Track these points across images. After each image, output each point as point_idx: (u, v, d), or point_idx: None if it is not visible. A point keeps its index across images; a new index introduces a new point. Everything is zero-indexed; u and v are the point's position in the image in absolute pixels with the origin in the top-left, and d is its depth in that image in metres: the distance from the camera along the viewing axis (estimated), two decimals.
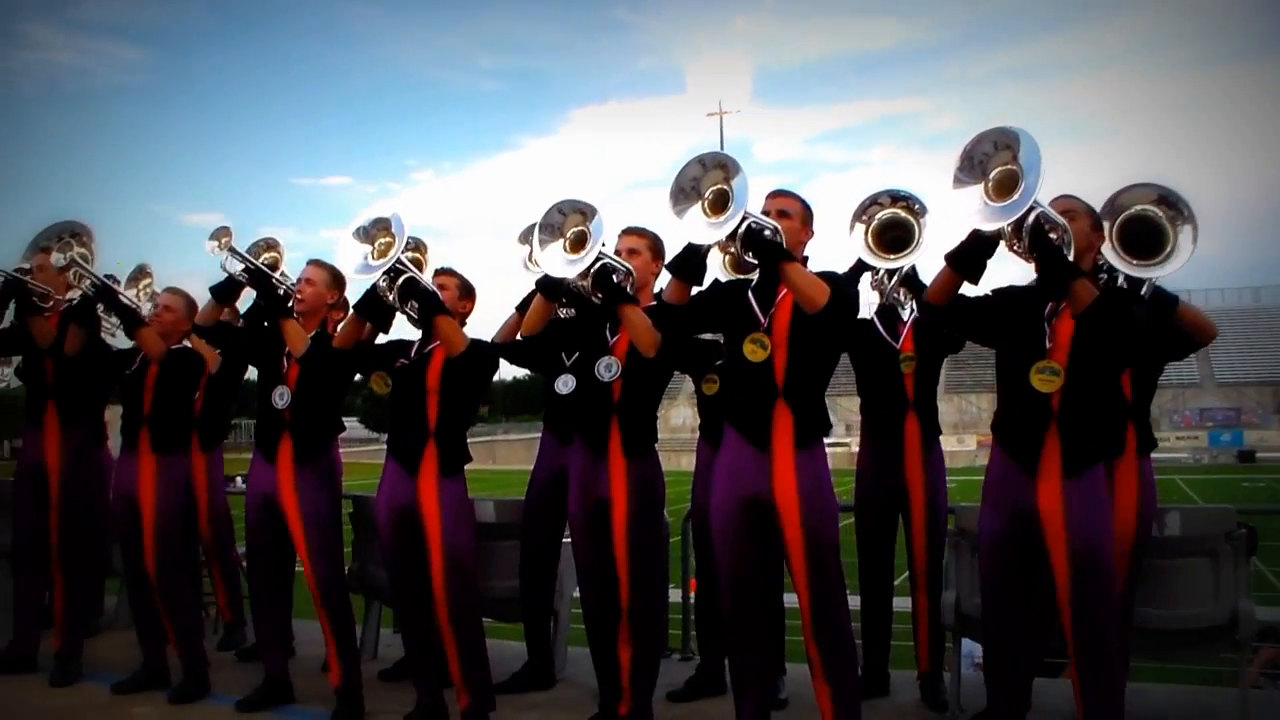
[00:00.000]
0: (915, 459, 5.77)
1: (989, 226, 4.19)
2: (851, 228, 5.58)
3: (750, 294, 4.72)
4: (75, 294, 6.58)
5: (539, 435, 6.30)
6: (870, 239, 5.53)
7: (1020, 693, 4.56)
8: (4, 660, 6.61)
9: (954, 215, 4.26)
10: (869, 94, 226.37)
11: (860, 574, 5.94)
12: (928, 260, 5.53)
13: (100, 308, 6.30)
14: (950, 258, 4.40)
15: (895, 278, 5.67)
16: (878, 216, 5.54)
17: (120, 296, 6.26)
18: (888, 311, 5.88)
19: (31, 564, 6.67)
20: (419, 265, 6.01)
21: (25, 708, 5.98)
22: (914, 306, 5.76)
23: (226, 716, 5.76)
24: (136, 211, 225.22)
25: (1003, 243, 4.31)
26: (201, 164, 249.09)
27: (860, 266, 5.63)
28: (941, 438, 5.95)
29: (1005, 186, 4.11)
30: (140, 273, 6.84)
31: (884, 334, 5.86)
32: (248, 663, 6.68)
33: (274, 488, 5.72)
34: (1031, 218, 4.17)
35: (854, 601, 5.99)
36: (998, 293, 4.62)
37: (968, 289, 4.49)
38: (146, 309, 6.28)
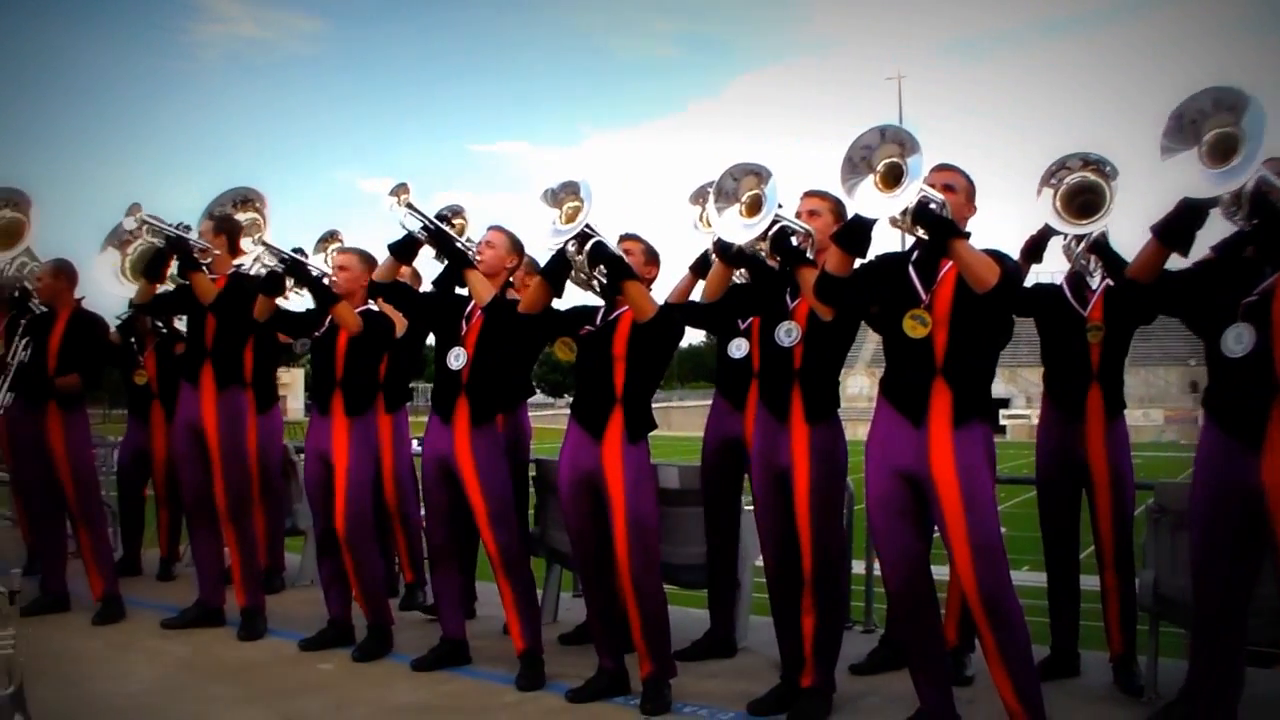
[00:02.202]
0: (1098, 433, 5.62)
1: (1209, 194, 4.02)
2: (1039, 192, 5.47)
3: (911, 268, 4.66)
4: (246, 260, 6.80)
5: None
6: (1059, 204, 5.41)
7: (1236, 677, 4.39)
8: (193, 615, 6.91)
9: (1169, 183, 4.07)
10: (1051, 60, 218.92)
11: (1045, 551, 5.84)
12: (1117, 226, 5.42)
13: (291, 282, 6.52)
14: (1159, 230, 4.24)
15: (1084, 244, 5.52)
16: (1067, 181, 5.41)
17: (310, 269, 6.47)
18: (1077, 279, 5.72)
19: (204, 521, 6.96)
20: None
21: (215, 660, 6.26)
22: (1104, 274, 5.59)
23: (405, 675, 5.93)
24: (319, 179, 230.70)
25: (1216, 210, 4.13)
26: (380, 131, 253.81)
27: (1047, 232, 5.51)
28: (1125, 412, 5.76)
29: (1222, 150, 3.90)
30: (331, 237, 7.04)
31: (1072, 302, 5.71)
32: (430, 623, 6.80)
33: (450, 451, 5.83)
34: (1252, 182, 3.96)
35: (1038, 578, 5.92)
36: (1205, 265, 4.41)
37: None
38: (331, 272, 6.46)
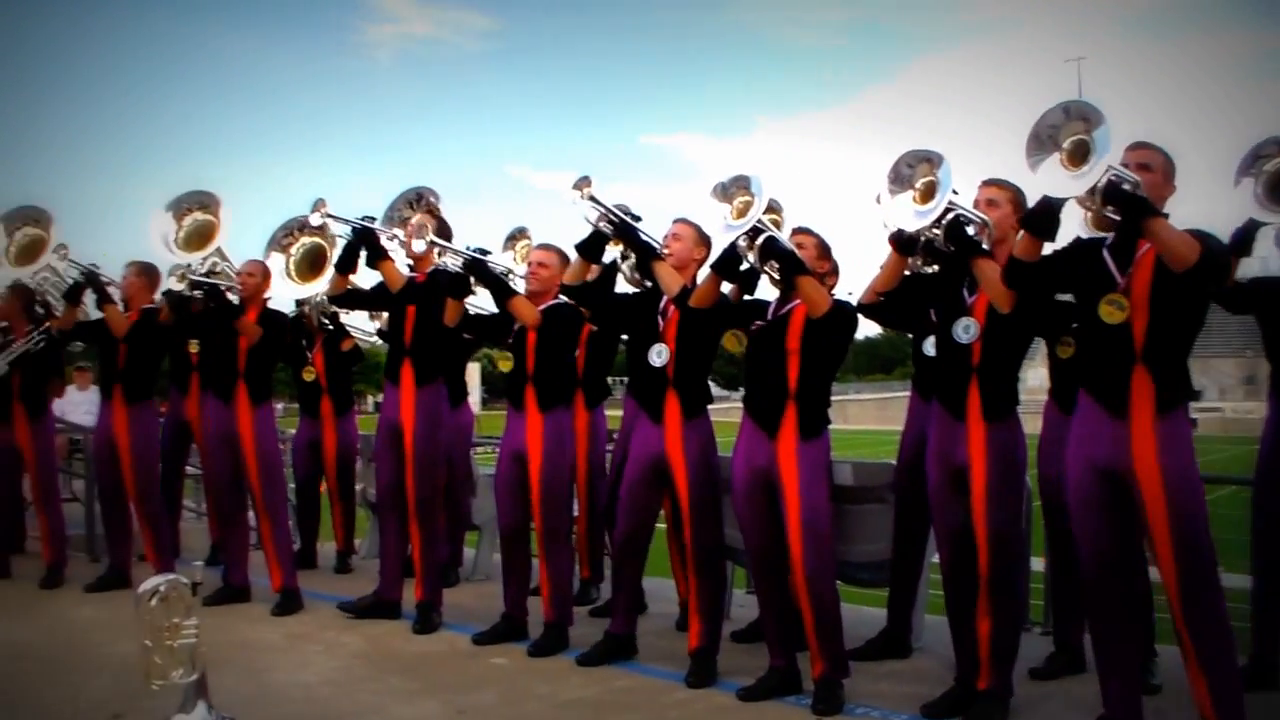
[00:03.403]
0: None
1: None
2: (1237, 183, 5.29)
3: (1106, 252, 4.54)
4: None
5: (891, 395, 6.23)
6: (1261, 192, 5.23)
7: None
8: (369, 605, 7.11)
9: None
10: (1247, 36, 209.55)
11: (1255, 552, 5.62)
12: None
13: (472, 280, 6.61)
14: None
15: None
16: (1266, 168, 5.22)
17: (490, 267, 6.55)
18: None
19: (393, 517, 7.12)
20: (776, 226, 5.99)
21: (391, 653, 6.40)
22: None
23: (576, 671, 5.97)
24: (493, 175, 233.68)
25: None
26: (552, 126, 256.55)
27: (1252, 224, 5.31)
28: None
29: None
30: (519, 234, 7.13)
31: None
32: (602, 619, 6.83)
33: (662, 448, 5.85)
34: None
35: (1244, 582, 5.70)
36: None
37: None
38: (522, 270, 6.52)
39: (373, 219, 7.01)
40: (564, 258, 6.43)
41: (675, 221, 6.03)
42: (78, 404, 12.39)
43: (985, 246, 4.97)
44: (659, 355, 5.83)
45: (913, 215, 4.96)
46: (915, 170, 4.99)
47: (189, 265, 7.64)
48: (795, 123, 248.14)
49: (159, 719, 4.87)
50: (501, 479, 6.57)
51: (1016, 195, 5.08)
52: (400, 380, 6.94)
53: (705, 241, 5.95)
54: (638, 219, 6.18)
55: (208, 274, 7.70)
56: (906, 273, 5.39)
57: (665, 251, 5.93)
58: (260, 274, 7.49)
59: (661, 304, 5.92)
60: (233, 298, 7.49)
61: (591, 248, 6.09)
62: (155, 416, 8.26)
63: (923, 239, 5.15)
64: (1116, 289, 4.44)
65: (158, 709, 4.93)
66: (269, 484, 7.50)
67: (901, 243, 5.23)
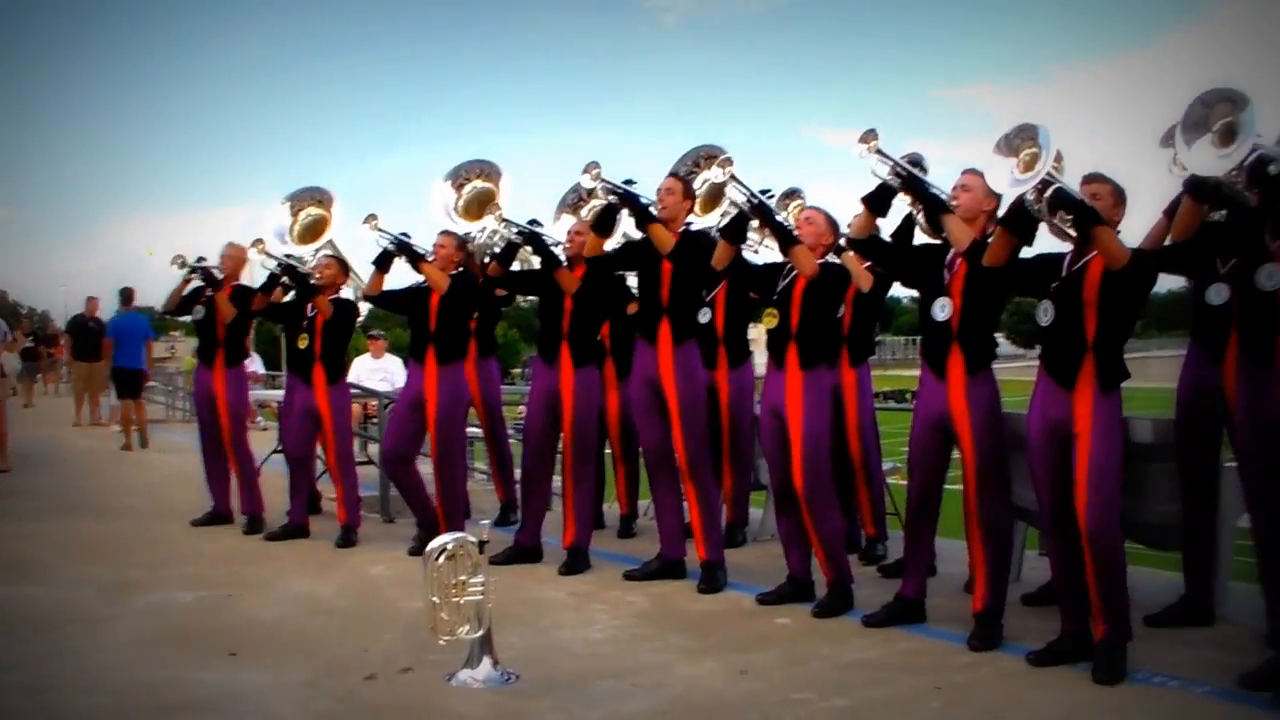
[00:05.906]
0: None
1: None
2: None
3: None
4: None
5: None
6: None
7: None
8: (655, 567, 7.30)
9: None
10: None
11: None
12: None
13: (755, 224, 6.79)
14: None
15: None
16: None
17: (775, 214, 6.72)
18: None
19: (663, 476, 7.31)
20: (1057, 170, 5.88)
21: (675, 612, 6.57)
22: None
23: (860, 632, 6.03)
24: (784, 134, 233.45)
25: None
26: (841, 83, 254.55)
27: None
28: None
29: None
30: (792, 194, 7.24)
31: None
32: (889, 579, 6.83)
33: (945, 405, 5.82)
34: None
35: None
36: None
37: None
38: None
39: (633, 182, 7.13)
40: (830, 220, 6.53)
41: (964, 172, 5.94)
42: (372, 370, 12.96)
43: None
44: (942, 309, 5.79)
45: (1212, 160, 4.78)
46: (1212, 111, 4.81)
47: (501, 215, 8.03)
48: (1093, 70, 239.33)
49: (446, 673, 5.18)
50: (766, 438, 6.62)
51: None
52: (657, 338, 7.07)
53: (994, 194, 5.87)
54: (926, 171, 6.14)
55: (531, 222, 8.02)
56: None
57: (954, 204, 5.87)
58: (586, 235, 7.68)
59: (948, 256, 5.86)
60: (559, 253, 7.80)
61: (879, 201, 6.08)
62: (464, 379, 8.48)
63: (1221, 185, 4.97)
64: None
65: (445, 663, 5.22)
66: (581, 445, 7.71)
67: (1198, 189, 5.05)
